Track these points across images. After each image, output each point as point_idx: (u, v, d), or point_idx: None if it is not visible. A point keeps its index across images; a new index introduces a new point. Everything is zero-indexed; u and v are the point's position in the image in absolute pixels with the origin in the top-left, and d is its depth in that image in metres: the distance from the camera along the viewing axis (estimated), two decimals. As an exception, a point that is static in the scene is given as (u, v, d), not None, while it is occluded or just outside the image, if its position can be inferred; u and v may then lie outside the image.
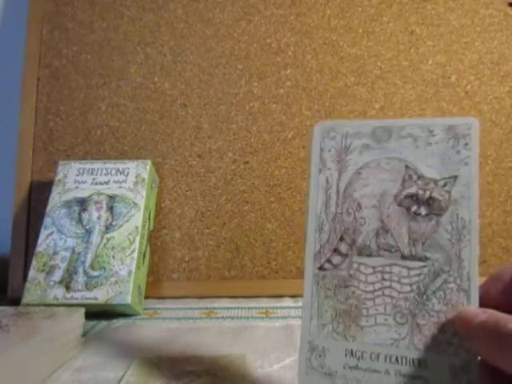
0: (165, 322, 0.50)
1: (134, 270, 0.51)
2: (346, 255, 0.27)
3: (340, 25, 0.67)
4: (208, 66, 0.67)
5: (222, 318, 0.51)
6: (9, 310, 0.42)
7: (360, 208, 0.27)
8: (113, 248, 0.53)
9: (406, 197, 0.26)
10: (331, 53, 0.67)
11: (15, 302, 0.51)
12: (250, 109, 0.66)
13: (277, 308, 0.54)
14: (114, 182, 0.58)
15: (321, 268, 0.28)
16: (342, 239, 0.27)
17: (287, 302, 0.57)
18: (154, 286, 0.61)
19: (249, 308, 0.55)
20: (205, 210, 0.64)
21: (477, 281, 0.24)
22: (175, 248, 0.63)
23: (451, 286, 0.24)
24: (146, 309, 0.55)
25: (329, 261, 0.27)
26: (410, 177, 0.26)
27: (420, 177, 0.26)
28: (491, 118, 0.64)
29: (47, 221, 0.55)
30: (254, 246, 0.63)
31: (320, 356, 0.27)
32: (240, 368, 0.36)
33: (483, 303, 0.23)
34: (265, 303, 0.56)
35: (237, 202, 0.64)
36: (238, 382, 0.34)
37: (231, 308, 0.55)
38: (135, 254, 0.52)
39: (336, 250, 0.27)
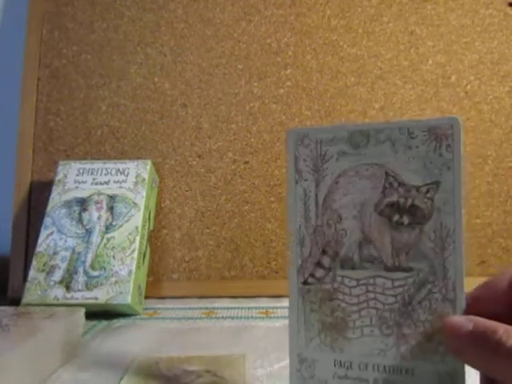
0: (165, 322, 0.50)
1: (134, 270, 0.51)
2: (329, 269, 0.26)
3: (340, 25, 0.67)
4: (208, 65, 0.67)
5: (222, 317, 0.51)
6: (9, 309, 0.42)
7: (340, 219, 0.26)
8: (113, 248, 0.53)
9: (386, 206, 0.25)
10: (331, 53, 0.67)
11: (15, 301, 0.51)
12: (250, 109, 0.66)
13: (277, 308, 0.54)
14: (114, 181, 0.58)
15: (305, 282, 0.27)
16: (324, 252, 0.26)
17: (287, 302, 0.57)
18: (154, 286, 0.61)
19: (249, 308, 0.55)
20: (205, 210, 0.64)
21: (463, 290, 0.23)
22: (175, 248, 0.63)
23: (436, 295, 0.23)
24: (146, 309, 0.55)
25: (312, 275, 0.27)
26: (391, 184, 0.25)
27: (401, 184, 0.24)
28: (491, 118, 0.64)
29: (47, 221, 0.55)
30: (254, 246, 0.63)
31: (310, 367, 0.27)
32: (240, 368, 0.36)
33: (481, 306, 0.23)
34: (265, 303, 0.56)
35: (237, 202, 0.64)
36: (238, 382, 0.34)
37: (231, 308, 0.55)
38: (135, 254, 0.52)
39: (319, 264, 0.27)
